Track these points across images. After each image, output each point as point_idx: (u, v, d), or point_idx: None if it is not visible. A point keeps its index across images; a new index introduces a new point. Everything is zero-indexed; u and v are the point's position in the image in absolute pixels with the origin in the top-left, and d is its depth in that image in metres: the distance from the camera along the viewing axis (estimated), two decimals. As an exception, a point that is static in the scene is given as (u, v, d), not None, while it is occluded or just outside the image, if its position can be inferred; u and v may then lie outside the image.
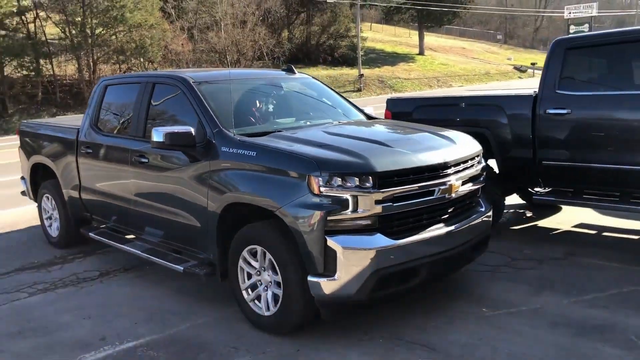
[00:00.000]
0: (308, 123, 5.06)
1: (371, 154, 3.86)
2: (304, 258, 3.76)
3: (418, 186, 3.88)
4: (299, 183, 3.75)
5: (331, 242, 3.65)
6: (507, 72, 49.33)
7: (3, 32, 25.33)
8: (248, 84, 5.44)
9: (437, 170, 4.01)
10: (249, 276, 4.20)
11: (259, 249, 4.07)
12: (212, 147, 4.38)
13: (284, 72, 5.85)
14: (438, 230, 4.03)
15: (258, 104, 5.28)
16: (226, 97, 4.77)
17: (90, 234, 5.99)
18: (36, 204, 7.00)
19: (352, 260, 3.65)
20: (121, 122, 5.63)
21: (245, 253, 4.17)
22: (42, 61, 27.16)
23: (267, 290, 4.10)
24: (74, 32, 27.34)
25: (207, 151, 4.39)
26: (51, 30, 28.71)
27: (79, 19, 26.74)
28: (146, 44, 28.10)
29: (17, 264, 6.03)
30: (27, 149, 6.98)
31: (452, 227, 4.11)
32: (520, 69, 50.17)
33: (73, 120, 6.76)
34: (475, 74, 46.17)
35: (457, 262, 4.37)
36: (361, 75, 37.61)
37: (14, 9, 25.04)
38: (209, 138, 4.42)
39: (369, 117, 5.62)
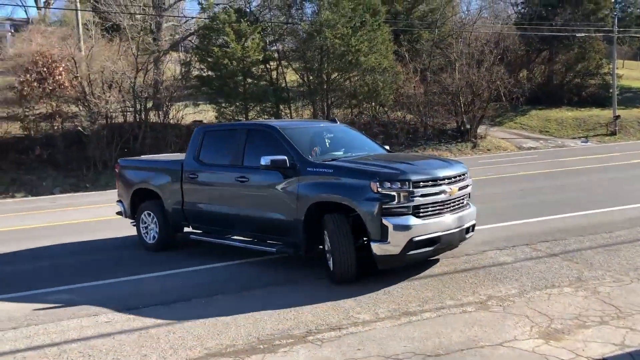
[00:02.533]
0: (353, 154, 7.46)
1: (407, 169, 6.32)
2: (369, 231, 6.08)
3: (435, 188, 6.30)
4: (365, 186, 6.10)
5: (385, 221, 6.00)
6: None
7: (250, 80, 27.01)
8: (312, 130, 8.07)
9: (444, 180, 6.43)
10: (327, 247, 6.43)
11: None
12: (298, 168, 6.69)
13: (330, 122, 8.75)
14: (446, 216, 6.43)
15: (320, 142, 7.71)
16: (301, 137, 7.33)
17: (191, 236, 8.39)
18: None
19: (397, 231, 5.99)
20: (221, 155, 7.89)
21: (325, 233, 6.43)
22: (281, 106, 28.41)
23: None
24: (311, 78, 28.15)
25: (295, 171, 6.71)
26: (291, 77, 30.07)
27: (317, 65, 27.41)
28: (378, 88, 27.65)
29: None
30: (128, 178, 9.23)
31: (454, 215, 6.53)
32: None
33: (162, 157, 9.39)
34: None
35: (458, 238, 6.68)
36: (617, 117, 32.60)
37: (260, 57, 26.58)
38: (295, 162, 6.73)
39: (388, 151, 8.25)
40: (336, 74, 28.14)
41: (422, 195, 6.14)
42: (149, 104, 27.12)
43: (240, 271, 7.31)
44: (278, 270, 7.23)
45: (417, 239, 6.04)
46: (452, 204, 6.50)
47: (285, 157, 6.71)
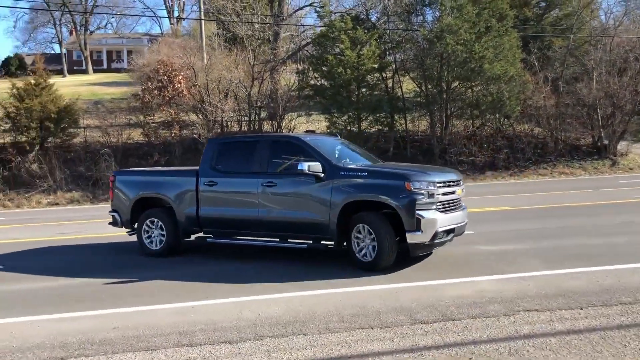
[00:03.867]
0: (364, 163, 8.60)
1: (430, 172, 7.68)
2: (405, 223, 7.16)
3: (450, 189, 7.65)
4: (400, 186, 7.24)
5: (418, 214, 7.10)
6: None
7: (364, 90, 25.98)
8: (328, 141, 9.03)
9: (453, 182, 7.81)
10: (357, 242, 7.57)
11: (362, 226, 7.47)
12: (330, 173, 7.70)
13: (336, 136, 10.42)
14: (456, 212, 7.80)
15: (334, 152, 8.58)
16: (324, 147, 8.28)
17: (207, 239, 8.75)
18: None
19: (428, 223, 7.13)
20: (241, 164, 8.62)
21: (356, 229, 7.51)
22: (396, 116, 27.06)
23: (367, 248, 7.46)
24: (429, 87, 26.55)
25: (326, 175, 7.70)
26: (407, 86, 28.63)
27: (436, 73, 25.77)
28: (504, 98, 25.37)
29: None
30: (128, 189, 9.46)
31: (460, 212, 7.96)
32: None
33: (159, 169, 10.47)
34: None
35: (463, 230, 8.12)
36: None
37: (376, 65, 25.46)
38: (327, 168, 7.74)
39: (383, 161, 10.27)
40: (457, 82, 26.23)
41: (443, 194, 7.46)
42: (263, 114, 26.96)
43: (317, 305, 6.09)
44: (357, 308, 5.95)
45: (441, 229, 7.30)
46: (458, 203, 7.97)
47: (319, 164, 7.66)
